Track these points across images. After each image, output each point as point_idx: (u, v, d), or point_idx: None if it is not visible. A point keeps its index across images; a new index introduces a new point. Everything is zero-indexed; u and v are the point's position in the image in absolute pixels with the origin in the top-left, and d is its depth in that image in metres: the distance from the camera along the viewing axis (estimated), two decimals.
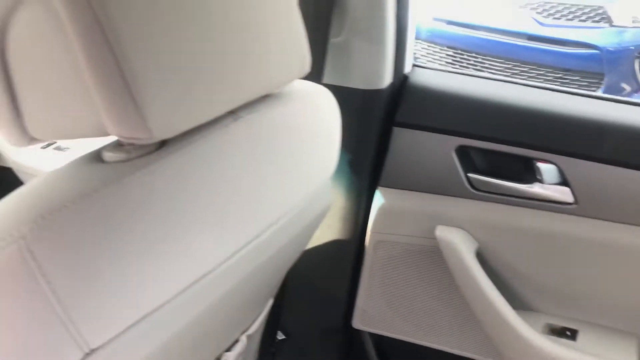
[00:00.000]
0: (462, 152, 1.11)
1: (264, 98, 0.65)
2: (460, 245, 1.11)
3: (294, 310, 1.30)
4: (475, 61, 3.03)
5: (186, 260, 0.54)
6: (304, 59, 0.67)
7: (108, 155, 0.53)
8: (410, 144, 1.14)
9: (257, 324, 0.91)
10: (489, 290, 1.09)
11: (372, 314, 1.27)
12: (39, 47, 0.50)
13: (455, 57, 3.09)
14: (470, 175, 1.11)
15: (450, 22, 3.08)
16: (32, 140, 0.55)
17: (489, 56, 2.96)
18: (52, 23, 0.48)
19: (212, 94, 0.55)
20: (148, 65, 0.48)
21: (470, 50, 3.04)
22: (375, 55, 1.09)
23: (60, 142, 1.48)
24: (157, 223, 0.51)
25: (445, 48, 3.09)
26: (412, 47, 1.18)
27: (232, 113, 0.61)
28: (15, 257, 0.44)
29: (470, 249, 1.11)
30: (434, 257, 1.17)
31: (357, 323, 1.29)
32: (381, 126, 1.14)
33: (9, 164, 1.52)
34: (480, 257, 1.13)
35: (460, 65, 3.04)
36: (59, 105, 0.51)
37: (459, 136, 1.11)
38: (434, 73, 1.21)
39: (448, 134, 1.11)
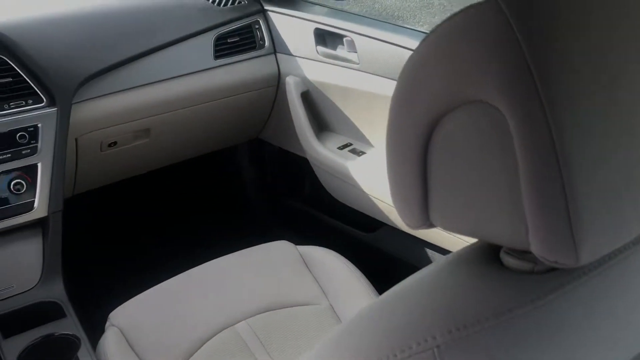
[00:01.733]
0: None
1: None
2: None
3: None
4: None
5: None
6: None
7: (511, 262, 0.51)
8: None
9: None
10: None
11: None
12: (469, 146, 0.48)
13: None
14: None
15: None
16: (430, 225, 0.55)
17: None
18: (491, 127, 0.45)
19: (638, 214, 0.48)
20: (591, 186, 0.44)
21: None
22: None
23: (357, 146, 1.54)
24: (560, 348, 0.48)
25: None
26: None
27: None
28: None
29: None
30: None
31: None
32: None
33: (306, 155, 1.63)
34: None
35: None
36: (473, 205, 0.49)
37: None
38: None
39: None
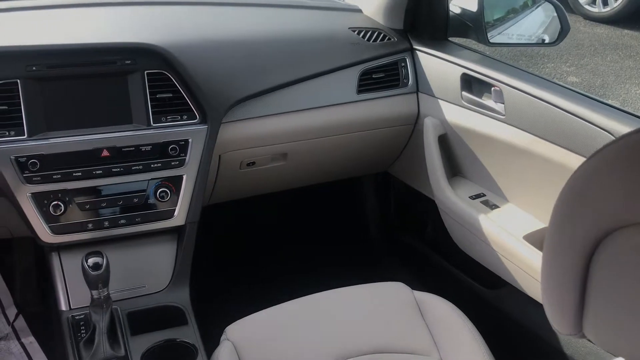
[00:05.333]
0: None
1: None
2: None
3: None
4: None
5: None
6: None
7: None
8: None
9: None
10: None
11: None
12: (632, 266, 0.45)
13: None
14: None
15: None
16: (582, 336, 0.52)
17: None
18: None
19: None
20: None
21: None
22: None
23: (490, 197, 1.49)
24: None
25: None
26: None
27: None
28: None
29: None
30: None
31: None
32: None
33: (435, 198, 1.60)
34: None
35: None
36: (630, 325, 0.46)
37: None
38: None
39: None
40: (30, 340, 1.71)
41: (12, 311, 1.77)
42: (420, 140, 1.62)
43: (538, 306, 1.34)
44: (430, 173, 1.59)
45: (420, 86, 1.63)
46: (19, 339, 1.71)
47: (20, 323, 1.75)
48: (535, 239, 1.32)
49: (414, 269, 1.86)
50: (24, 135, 1.21)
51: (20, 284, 1.80)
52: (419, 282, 1.50)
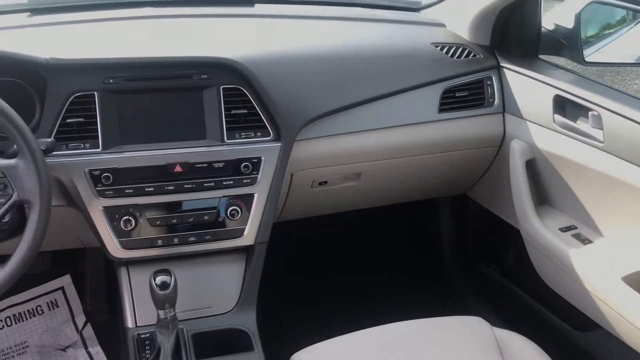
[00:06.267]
0: None
1: None
2: None
3: None
4: None
5: None
6: None
7: None
8: None
9: None
10: None
11: None
12: None
13: None
14: None
15: None
16: None
17: None
18: None
19: None
20: None
21: None
22: None
23: (582, 231, 1.38)
24: None
25: None
26: None
27: None
28: None
29: None
30: None
31: None
32: None
33: (519, 227, 1.50)
34: None
35: None
36: None
37: None
38: None
39: None
40: (97, 350, 1.71)
41: (81, 319, 1.78)
42: (505, 163, 1.51)
43: (637, 356, 1.21)
44: (515, 200, 1.47)
45: (507, 107, 1.52)
46: (86, 347, 1.72)
47: (88, 331, 1.76)
48: (636, 282, 1.19)
49: (492, 302, 1.74)
50: (99, 148, 1.20)
51: (90, 292, 1.82)
52: (498, 317, 1.39)
